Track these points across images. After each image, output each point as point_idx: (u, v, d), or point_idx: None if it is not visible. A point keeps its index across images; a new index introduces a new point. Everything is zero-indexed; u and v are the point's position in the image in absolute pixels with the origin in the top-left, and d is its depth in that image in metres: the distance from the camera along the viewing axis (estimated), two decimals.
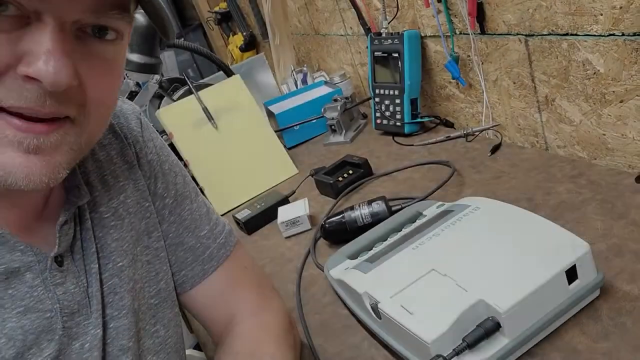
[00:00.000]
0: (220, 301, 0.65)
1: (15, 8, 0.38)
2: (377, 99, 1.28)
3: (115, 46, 0.45)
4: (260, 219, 1.09)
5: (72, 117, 0.43)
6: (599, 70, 0.80)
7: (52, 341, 0.48)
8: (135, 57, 1.24)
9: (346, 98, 1.39)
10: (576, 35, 0.80)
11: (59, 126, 0.42)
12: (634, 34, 0.72)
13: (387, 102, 1.25)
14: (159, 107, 1.39)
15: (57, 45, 0.39)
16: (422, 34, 1.18)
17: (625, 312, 0.58)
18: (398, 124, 1.24)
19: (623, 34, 0.73)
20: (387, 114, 1.26)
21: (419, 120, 1.22)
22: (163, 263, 0.62)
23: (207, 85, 1.39)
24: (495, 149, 1.02)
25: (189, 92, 1.35)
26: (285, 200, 1.11)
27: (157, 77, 1.30)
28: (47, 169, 0.42)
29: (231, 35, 2.64)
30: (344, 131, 1.36)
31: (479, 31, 0.99)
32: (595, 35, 0.77)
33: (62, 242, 0.50)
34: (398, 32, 1.18)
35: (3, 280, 0.46)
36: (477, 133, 1.10)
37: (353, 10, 1.35)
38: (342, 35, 1.58)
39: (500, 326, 0.55)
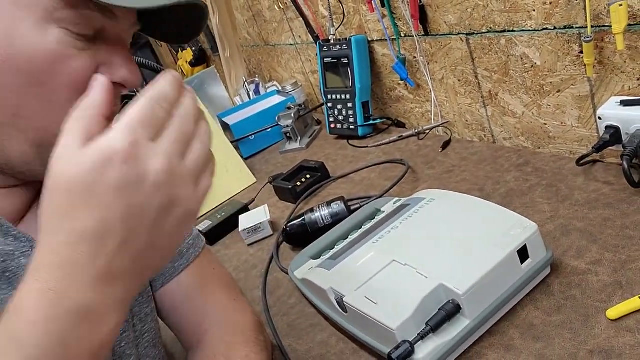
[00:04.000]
0: (191, 300, 0.66)
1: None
2: (329, 104, 1.31)
3: None
4: (222, 228, 1.09)
5: None
6: (536, 63, 0.84)
7: None
8: None
9: (299, 105, 1.41)
10: (513, 31, 0.85)
11: None
12: (565, 27, 0.77)
13: (339, 106, 1.28)
14: None
15: (129, 54, 0.46)
16: (369, 39, 1.21)
17: (574, 285, 0.61)
18: (352, 127, 1.26)
19: (555, 28, 0.78)
20: (341, 118, 1.28)
21: (371, 122, 1.25)
22: None
23: None
24: (446, 145, 1.06)
25: None
26: (245, 209, 1.12)
27: None
28: None
29: (180, 51, 2.63)
30: (299, 138, 1.38)
31: (422, 33, 1.03)
32: (530, 30, 0.82)
33: None
34: (346, 38, 1.21)
35: (0, 263, 0.47)
36: (427, 131, 1.14)
37: (301, 19, 1.38)
38: (291, 45, 1.60)
39: (460, 308, 0.57)
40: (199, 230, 1.09)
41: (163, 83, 0.39)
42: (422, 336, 0.56)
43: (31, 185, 0.52)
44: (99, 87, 0.39)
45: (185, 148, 0.38)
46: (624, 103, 0.72)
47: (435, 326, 0.57)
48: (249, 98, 1.68)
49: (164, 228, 0.37)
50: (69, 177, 0.35)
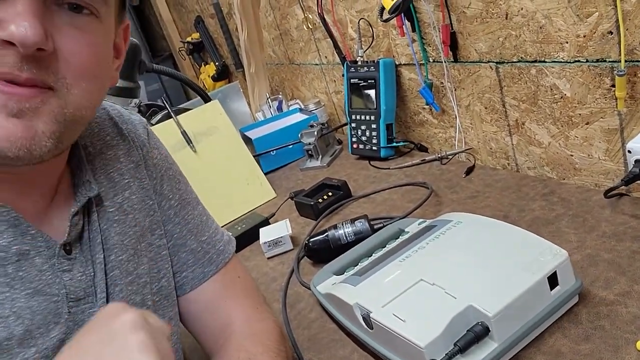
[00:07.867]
0: (214, 307, 0.66)
1: None
2: (353, 125, 1.32)
3: (92, 21, 0.47)
4: (242, 240, 1.09)
5: (53, 87, 0.44)
6: (565, 95, 0.86)
7: (59, 324, 0.50)
8: None
9: (322, 124, 1.43)
10: (544, 62, 0.86)
11: (40, 92, 0.43)
12: (597, 60, 0.78)
13: (363, 127, 1.30)
14: None
15: (28, 9, 0.41)
16: (397, 62, 1.23)
17: (603, 315, 0.61)
18: (374, 148, 1.28)
19: (587, 60, 0.79)
20: (364, 138, 1.30)
21: (394, 144, 1.26)
22: (165, 261, 0.64)
23: (185, 110, 1.40)
24: (470, 170, 1.07)
25: (167, 117, 1.35)
26: (265, 222, 1.12)
27: (135, 101, 1.30)
28: (28, 133, 0.43)
29: (203, 65, 2.67)
30: (320, 156, 1.39)
31: (452, 59, 1.05)
32: (561, 62, 0.83)
33: (72, 231, 0.52)
34: (374, 60, 1.23)
35: (14, 262, 0.48)
36: (450, 156, 1.15)
37: (329, 40, 1.40)
38: (316, 65, 1.62)
39: (489, 330, 0.57)
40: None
41: None
42: (450, 356, 0.56)
43: (47, 185, 0.53)
44: None
45: None
46: None
47: (463, 347, 0.56)
48: (271, 114, 1.70)
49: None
50: None
